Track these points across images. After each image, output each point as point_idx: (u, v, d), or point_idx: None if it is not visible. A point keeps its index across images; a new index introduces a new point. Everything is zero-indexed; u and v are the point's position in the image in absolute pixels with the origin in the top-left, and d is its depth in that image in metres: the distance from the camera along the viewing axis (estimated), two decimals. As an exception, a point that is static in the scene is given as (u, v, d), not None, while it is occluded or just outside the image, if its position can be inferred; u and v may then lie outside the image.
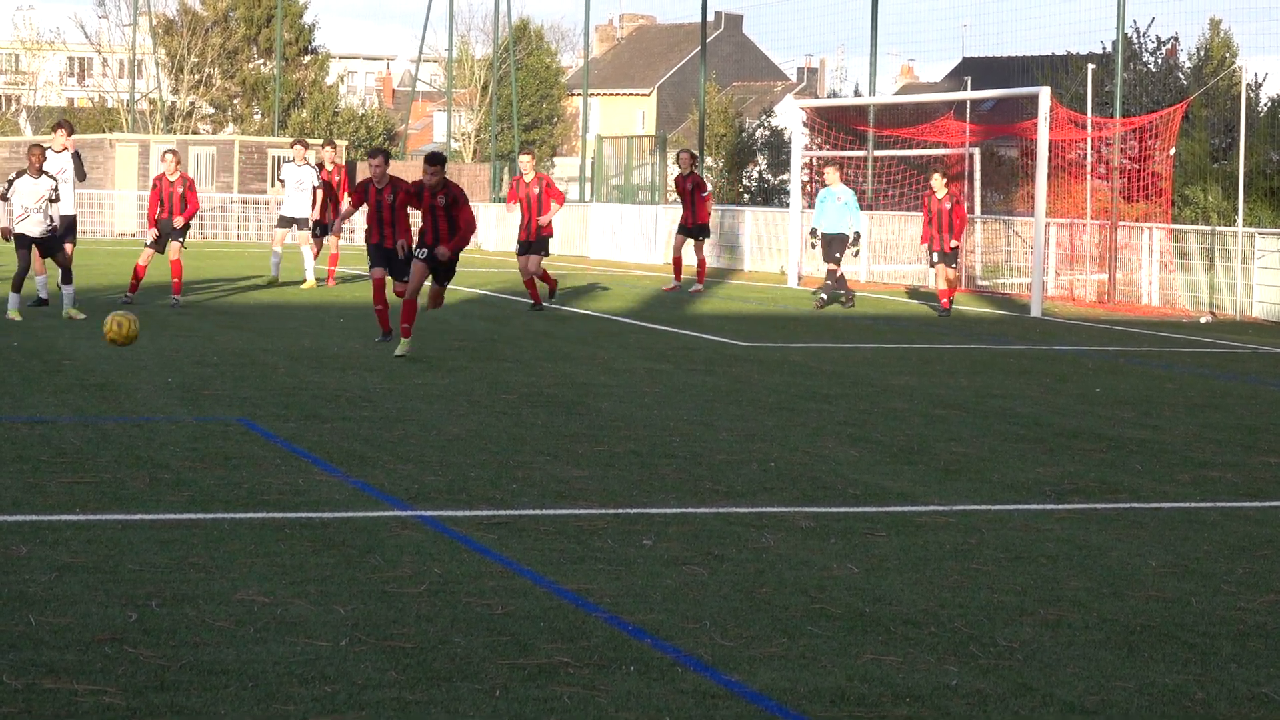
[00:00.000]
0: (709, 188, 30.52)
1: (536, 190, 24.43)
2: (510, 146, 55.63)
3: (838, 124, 37.91)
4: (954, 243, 25.63)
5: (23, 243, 20.39)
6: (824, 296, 26.96)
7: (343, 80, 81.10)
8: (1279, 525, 10.26)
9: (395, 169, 43.66)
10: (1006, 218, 34.21)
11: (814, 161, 38.04)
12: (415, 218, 17.77)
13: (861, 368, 18.22)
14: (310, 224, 27.73)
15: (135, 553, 8.47)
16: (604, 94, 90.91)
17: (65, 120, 24.05)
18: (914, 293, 31.17)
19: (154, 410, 13.34)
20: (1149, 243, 29.65)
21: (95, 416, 12.75)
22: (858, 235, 27.42)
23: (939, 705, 6.49)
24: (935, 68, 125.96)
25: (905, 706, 6.46)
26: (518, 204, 24.73)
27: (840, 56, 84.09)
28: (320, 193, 27.72)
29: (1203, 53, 42.86)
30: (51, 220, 20.38)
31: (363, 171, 47.85)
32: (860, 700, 6.52)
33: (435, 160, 17.46)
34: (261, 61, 66.32)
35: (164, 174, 23.71)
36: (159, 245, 23.19)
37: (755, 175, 50.81)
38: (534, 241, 24.36)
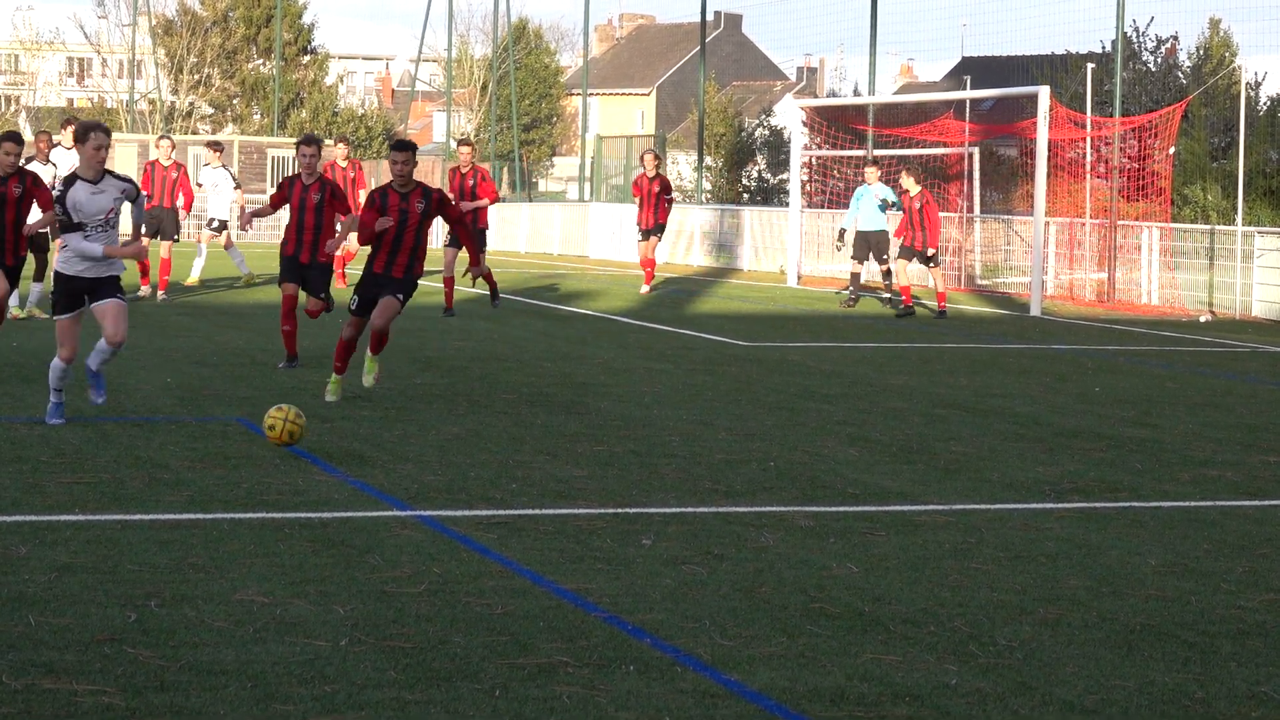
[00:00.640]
0: (673, 191, 30.34)
1: (471, 183, 23.90)
2: (510, 146, 55.63)
3: (837, 123, 37.88)
4: (930, 250, 25.77)
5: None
6: (855, 296, 27.27)
7: (342, 80, 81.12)
8: (1278, 524, 10.27)
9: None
10: (1006, 217, 34.18)
11: (813, 161, 38.04)
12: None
13: (861, 367, 18.22)
14: (217, 224, 27.86)
15: (134, 553, 8.47)
16: (603, 94, 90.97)
17: (72, 118, 24.10)
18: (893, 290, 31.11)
19: (153, 410, 13.34)
20: (1148, 242, 29.65)
21: (95, 416, 12.74)
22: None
23: (939, 705, 6.49)
24: (934, 67, 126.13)
25: (905, 706, 6.46)
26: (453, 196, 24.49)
27: (839, 56, 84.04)
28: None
29: (1202, 52, 42.80)
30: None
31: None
32: (860, 700, 6.52)
33: (404, 147, 13.82)
34: (261, 61, 66.27)
35: (158, 160, 23.65)
36: (151, 234, 23.12)
37: (754, 175, 50.75)
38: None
